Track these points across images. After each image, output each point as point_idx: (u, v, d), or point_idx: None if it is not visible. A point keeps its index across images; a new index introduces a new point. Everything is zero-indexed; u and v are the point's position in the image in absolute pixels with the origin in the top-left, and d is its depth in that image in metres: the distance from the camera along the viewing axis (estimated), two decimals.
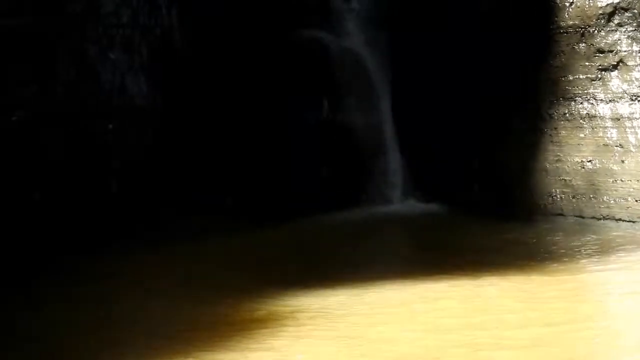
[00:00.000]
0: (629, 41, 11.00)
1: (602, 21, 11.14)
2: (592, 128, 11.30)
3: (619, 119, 11.10)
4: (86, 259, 10.02)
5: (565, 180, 11.50)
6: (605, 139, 11.18)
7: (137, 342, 7.15)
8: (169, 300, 8.41)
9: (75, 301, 8.46)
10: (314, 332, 7.12)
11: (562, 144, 11.52)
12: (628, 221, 10.92)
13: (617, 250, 9.72)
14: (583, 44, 11.31)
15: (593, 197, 11.24)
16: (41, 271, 9.61)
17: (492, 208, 12.33)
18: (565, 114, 11.50)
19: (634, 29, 10.97)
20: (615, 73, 11.12)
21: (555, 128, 11.58)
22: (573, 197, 11.43)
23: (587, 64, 11.28)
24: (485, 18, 12.28)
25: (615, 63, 11.10)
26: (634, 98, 11.01)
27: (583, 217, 11.30)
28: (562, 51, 11.47)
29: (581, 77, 11.36)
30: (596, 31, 11.20)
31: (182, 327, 7.44)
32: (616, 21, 11.07)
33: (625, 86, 11.05)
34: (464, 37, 12.53)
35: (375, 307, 7.83)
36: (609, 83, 11.17)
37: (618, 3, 11.03)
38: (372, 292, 8.28)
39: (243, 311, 7.68)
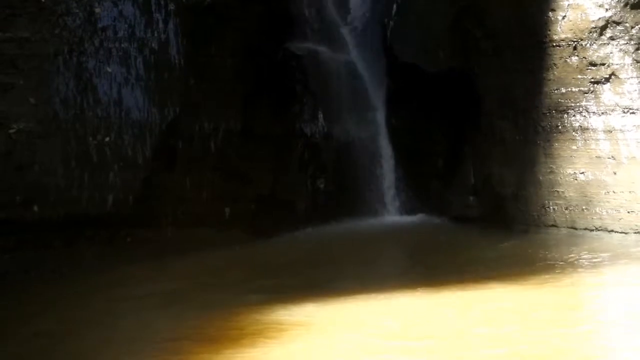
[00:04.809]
0: (621, 54, 11.07)
1: (595, 34, 11.21)
2: (585, 140, 11.36)
3: (611, 132, 11.16)
4: (73, 271, 10.14)
5: (558, 192, 11.56)
6: (598, 151, 11.24)
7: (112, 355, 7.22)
8: (151, 312, 8.48)
9: (59, 311, 8.58)
10: (299, 345, 7.15)
11: (555, 156, 11.58)
12: (620, 232, 10.98)
13: (610, 262, 9.76)
14: (575, 57, 11.38)
15: (585, 208, 11.30)
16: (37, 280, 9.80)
17: (487, 220, 12.41)
18: (558, 126, 11.56)
19: (625, 42, 11.04)
20: (607, 86, 11.19)
21: (549, 140, 11.63)
22: (566, 209, 11.49)
23: (579, 76, 11.34)
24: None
25: (608, 76, 11.16)
26: (626, 110, 11.07)
27: (576, 229, 11.36)
28: (555, 64, 11.54)
29: (574, 89, 11.42)
30: (588, 44, 11.26)
31: (159, 339, 7.50)
32: (608, 34, 11.14)
33: (617, 99, 11.12)
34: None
35: (372, 319, 7.85)
36: (601, 96, 11.23)
37: (610, 17, 11.10)
38: (370, 304, 8.31)
39: (227, 323, 7.72)
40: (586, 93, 11.32)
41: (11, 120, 10.38)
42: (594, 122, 11.28)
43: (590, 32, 11.23)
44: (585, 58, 11.29)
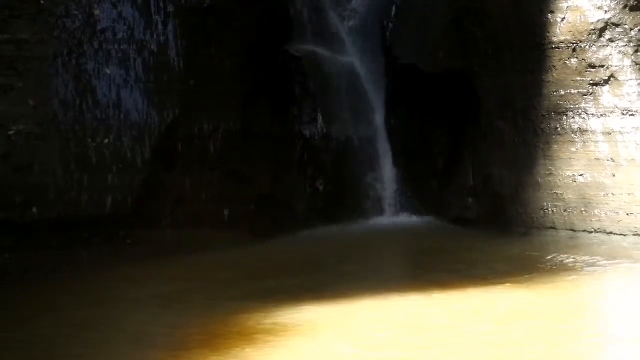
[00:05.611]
0: (620, 56, 11.06)
1: (594, 36, 11.20)
2: (584, 142, 11.35)
3: (610, 134, 11.15)
4: (72, 271, 10.16)
5: (557, 194, 11.55)
6: (597, 153, 11.23)
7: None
8: (149, 314, 8.49)
9: (58, 312, 8.58)
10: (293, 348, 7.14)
11: (554, 158, 11.57)
12: (619, 235, 10.97)
13: (609, 265, 9.75)
14: (575, 59, 11.37)
15: (584, 210, 11.30)
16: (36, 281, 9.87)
17: (486, 222, 12.41)
18: (557, 128, 11.56)
19: (625, 44, 11.04)
20: (606, 88, 11.18)
21: (548, 142, 11.62)
22: (565, 211, 11.48)
23: (578, 78, 11.33)
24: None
25: (607, 78, 11.15)
26: (625, 112, 11.07)
27: (575, 231, 11.34)
28: (554, 66, 11.53)
29: (573, 91, 11.41)
30: (588, 46, 11.26)
31: (157, 343, 7.49)
32: (607, 36, 11.13)
33: (616, 101, 11.11)
34: None
35: (368, 326, 7.80)
36: (600, 98, 11.22)
37: (609, 19, 11.10)
38: (367, 309, 8.29)
39: (221, 328, 7.69)
40: (585, 95, 11.31)
41: (10, 121, 10.41)
42: (593, 124, 11.27)
43: (590, 34, 11.23)
44: (584, 60, 11.28)
